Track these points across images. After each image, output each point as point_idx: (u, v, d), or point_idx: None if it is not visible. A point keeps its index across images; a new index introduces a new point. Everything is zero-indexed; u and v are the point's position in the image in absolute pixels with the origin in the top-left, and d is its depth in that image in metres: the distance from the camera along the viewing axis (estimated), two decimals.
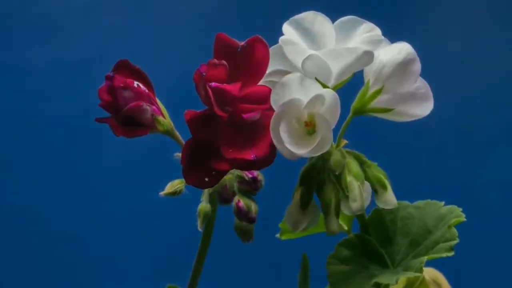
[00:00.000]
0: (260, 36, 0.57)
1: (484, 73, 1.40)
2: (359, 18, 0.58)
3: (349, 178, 0.57)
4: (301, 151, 0.54)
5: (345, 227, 0.70)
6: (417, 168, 1.36)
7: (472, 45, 1.43)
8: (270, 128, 0.54)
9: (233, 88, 0.56)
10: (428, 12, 1.45)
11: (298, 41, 0.57)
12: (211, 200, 0.62)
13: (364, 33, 0.57)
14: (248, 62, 0.57)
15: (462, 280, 0.72)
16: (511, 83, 1.40)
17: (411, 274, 0.58)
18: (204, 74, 0.56)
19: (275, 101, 0.55)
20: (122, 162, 1.37)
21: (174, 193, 0.61)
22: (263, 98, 0.56)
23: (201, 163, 0.55)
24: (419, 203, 0.64)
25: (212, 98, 0.55)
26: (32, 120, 1.41)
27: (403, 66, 0.57)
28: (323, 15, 0.57)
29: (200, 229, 0.62)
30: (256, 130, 0.56)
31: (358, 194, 0.56)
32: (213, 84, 0.55)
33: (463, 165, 1.37)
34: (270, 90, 0.56)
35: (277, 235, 0.70)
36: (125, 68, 0.60)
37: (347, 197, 0.56)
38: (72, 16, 1.43)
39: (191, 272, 0.66)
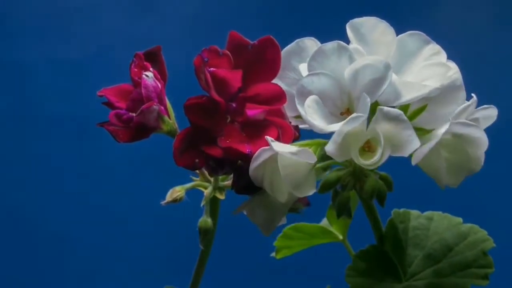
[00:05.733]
0: (271, 36, 0.57)
1: (485, 74, 1.40)
2: (426, 36, 0.56)
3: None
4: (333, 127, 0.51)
5: (340, 237, 0.70)
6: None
7: (474, 46, 1.43)
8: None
9: (234, 76, 0.55)
10: (429, 12, 1.45)
11: (355, 44, 0.55)
12: (212, 211, 0.62)
13: (430, 55, 0.55)
14: (258, 61, 0.57)
15: None
16: None
17: None
18: (206, 59, 0.55)
19: (311, 68, 0.53)
20: (122, 162, 1.37)
21: (174, 201, 0.61)
22: (270, 98, 0.55)
23: (193, 148, 0.55)
24: (431, 214, 0.62)
25: (210, 82, 0.54)
26: (32, 120, 1.41)
27: (448, 90, 0.55)
28: (386, 23, 0.55)
29: (201, 247, 0.62)
30: (257, 129, 0.55)
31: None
32: (211, 69, 0.55)
33: None
34: (279, 89, 0.56)
35: (272, 254, 0.70)
36: (152, 55, 0.60)
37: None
38: (72, 16, 1.43)
39: (192, 275, 0.66)
